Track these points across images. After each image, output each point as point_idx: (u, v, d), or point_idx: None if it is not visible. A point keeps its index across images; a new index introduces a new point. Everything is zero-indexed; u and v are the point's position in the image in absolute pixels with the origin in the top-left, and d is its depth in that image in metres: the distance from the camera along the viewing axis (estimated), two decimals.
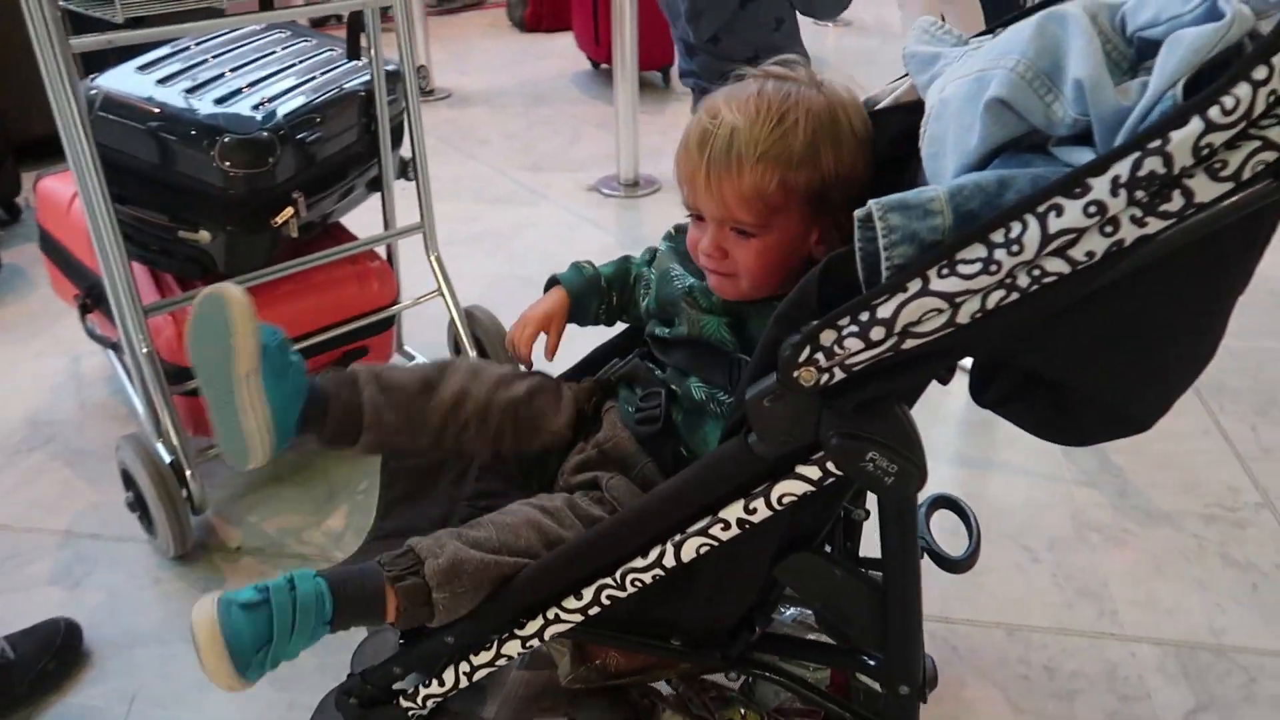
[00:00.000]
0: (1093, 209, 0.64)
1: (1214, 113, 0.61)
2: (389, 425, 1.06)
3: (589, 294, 1.20)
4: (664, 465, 1.04)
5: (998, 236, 0.66)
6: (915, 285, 0.69)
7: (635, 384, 1.10)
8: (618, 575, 0.88)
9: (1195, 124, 0.61)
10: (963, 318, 0.69)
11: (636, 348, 1.17)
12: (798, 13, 2.01)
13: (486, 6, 6.34)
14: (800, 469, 0.80)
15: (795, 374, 0.73)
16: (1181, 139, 0.62)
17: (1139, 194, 0.63)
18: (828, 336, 0.72)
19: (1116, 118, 0.68)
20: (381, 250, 2.05)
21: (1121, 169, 0.63)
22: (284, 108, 1.73)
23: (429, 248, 1.99)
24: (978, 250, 0.67)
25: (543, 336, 1.19)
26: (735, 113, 0.94)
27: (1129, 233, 0.65)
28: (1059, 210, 0.65)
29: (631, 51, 3.20)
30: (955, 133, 0.77)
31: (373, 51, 1.84)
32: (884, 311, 0.70)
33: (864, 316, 0.70)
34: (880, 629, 0.88)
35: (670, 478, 1.02)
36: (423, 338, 2.28)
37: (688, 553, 0.85)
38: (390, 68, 1.90)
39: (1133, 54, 0.71)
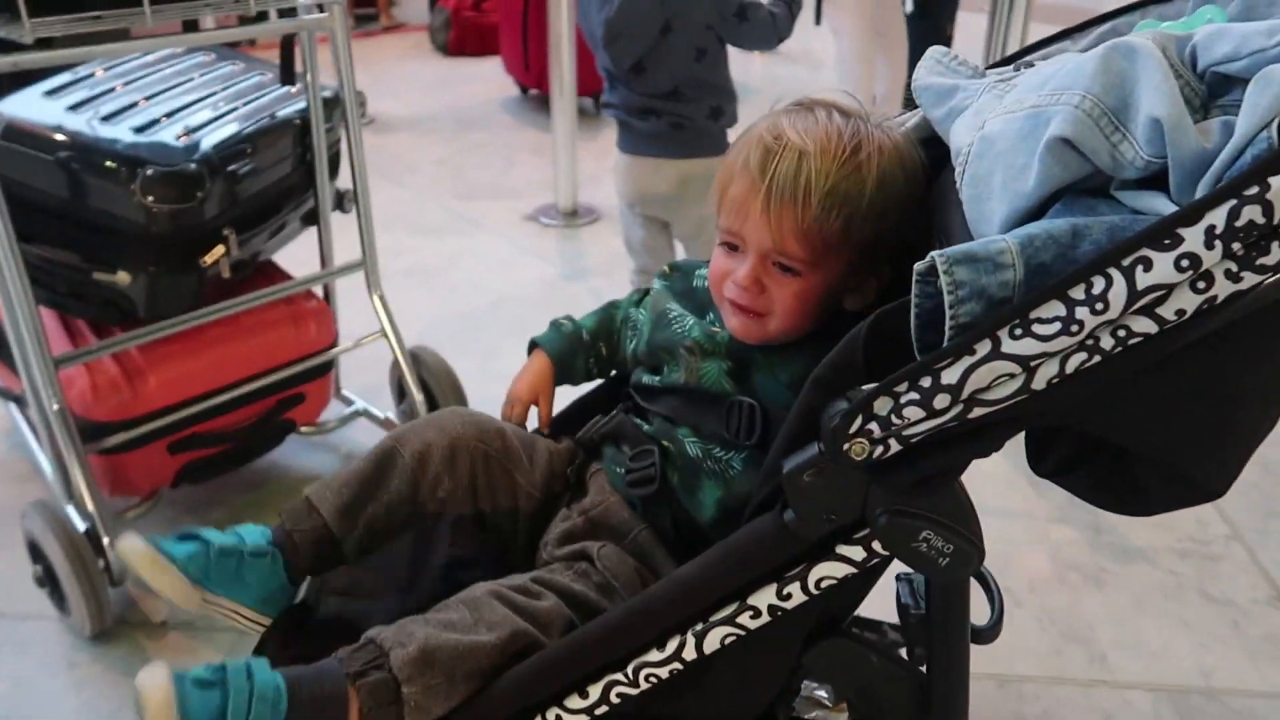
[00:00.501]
0: (1185, 262, 0.57)
1: None
2: (365, 518, 0.97)
3: (573, 353, 1.11)
4: (661, 531, 0.95)
5: (1078, 293, 0.59)
6: (985, 347, 0.61)
7: (622, 442, 1.00)
8: (630, 670, 0.78)
9: None
10: (1038, 383, 0.61)
11: (620, 402, 1.07)
12: (727, 44, 1.95)
13: (407, 30, 6.20)
14: (841, 549, 0.71)
15: (845, 446, 0.65)
16: None
17: (1235, 246, 0.57)
18: (883, 404, 0.64)
19: (1197, 161, 0.61)
20: (318, 288, 1.91)
21: (1216, 218, 0.56)
22: (212, 137, 1.59)
23: (371, 286, 1.86)
24: (1056, 308, 0.59)
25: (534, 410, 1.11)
26: (804, 137, 0.86)
27: (1222, 288, 0.58)
28: (1147, 264, 0.58)
29: (570, 77, 3.12)
30: (1005, 173, 0.70)
31: (309, 76, 1.72)
32: (949, 376, 0.61)
33: (926, 382, 0.62)
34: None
35: (667, 546, 0.94)
36: (362, 380, 2.14)
37: (711, 644, 0.75)
38: (326, 93, 1.78)
39: (1204, 91, 0.65)
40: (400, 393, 2.03)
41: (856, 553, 0.71)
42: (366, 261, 1.84)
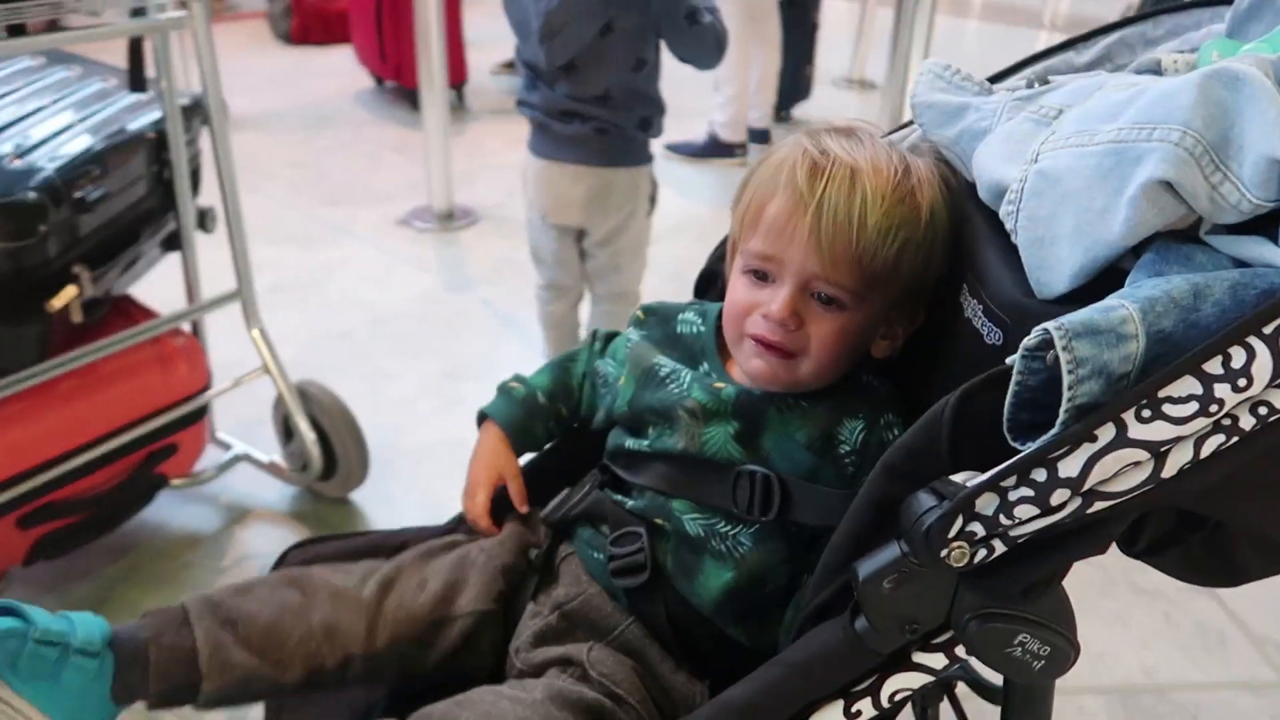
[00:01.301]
0: None
1: None
2: (238, 667, 0.80)
3: (529, 419, 0.98)
4: (654, 625, 0.83)
5: (1214, 367, 0.51)
6: (1109, 433, 0.52)
7: (600, 522, 0.87)
8: None
9: None
10: (1169, 470, 0.53)
11: (590, 467, 0.94)
12: (662, 55, 1.83)
13: (240, 17, 5.76)
14: (919, 658, 0.61)
15: (946, 552, 0.55)
16: None
17: None
18: (987, 502, 0.54)
19: None
20: (185, 323, 1.68)
21: None
22: (52, 158, 1.35)
23: (249, 319, 1.65)
24: (1190, 385, 0.51)
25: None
26: (853, 155, 0.76)
27: None
28: None
29: (440, 70, 2.91)
30: (1079, 216, 0.62)
31: (164, 82, 1.49)
32: (1068, 469, 0.52)
33: (1040, 475, 0.53)
34: None
35: (660, 640, 0.83)
36: (236, 416, 1.92)
37: None
38: (184, 100, 1.55)
39: None
40: (287, 433, 1.82)
41: (937, 660, 0.61)
42: (243, 290, 1.63)
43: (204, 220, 1.69)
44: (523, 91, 1.85)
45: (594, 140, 1.76)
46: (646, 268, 2.02)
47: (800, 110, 4.15)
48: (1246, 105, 0.56)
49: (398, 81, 4.15)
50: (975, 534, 0.54)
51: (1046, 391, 0.55)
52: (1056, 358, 0.53)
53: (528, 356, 2.33)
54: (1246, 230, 0.58)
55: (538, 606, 0.87)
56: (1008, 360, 0.57)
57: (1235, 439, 0.52)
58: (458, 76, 4.09)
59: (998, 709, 0.89)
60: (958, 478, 0.56)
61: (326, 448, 1.75)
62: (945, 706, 0.94)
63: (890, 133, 0.89)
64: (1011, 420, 0.56)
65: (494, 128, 3.99)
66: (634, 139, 1.80)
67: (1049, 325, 0.52)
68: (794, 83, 3.95)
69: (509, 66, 4.66)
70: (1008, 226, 0.68)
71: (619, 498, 0.87)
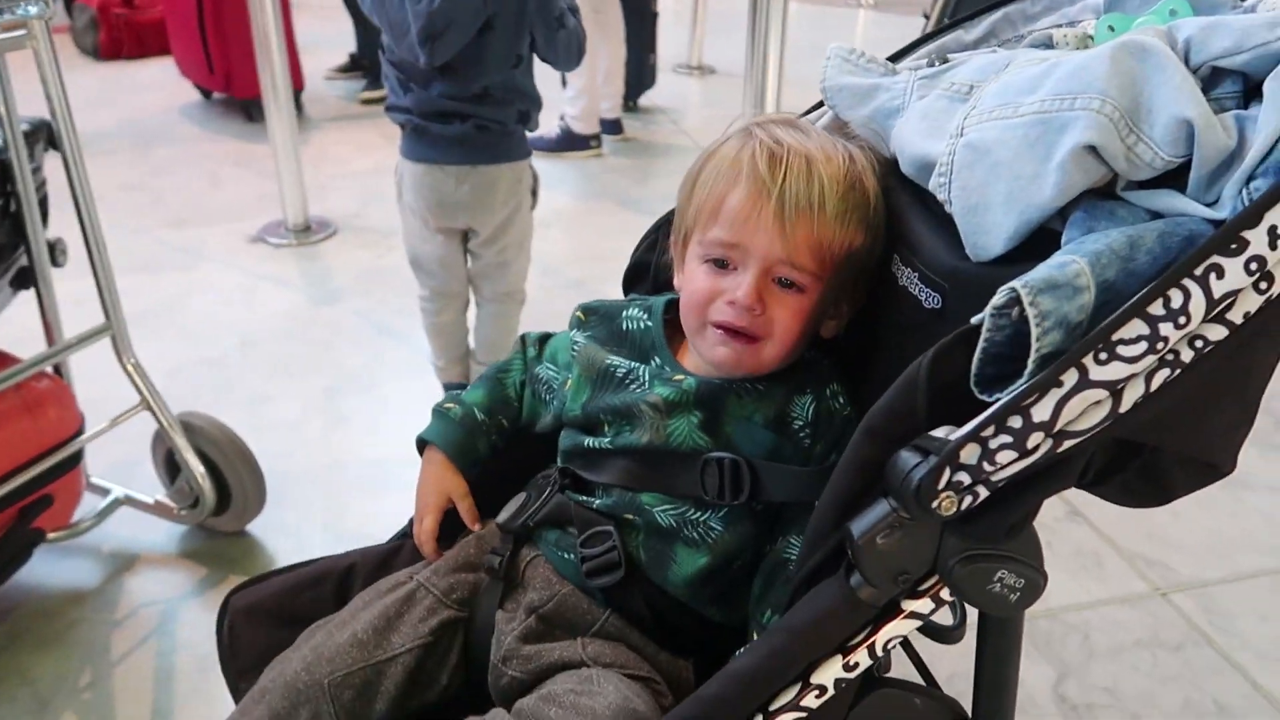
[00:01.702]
0: (1253, 265, 0.56)
1: None
2: None
3: (470, 439, 0.97)
4: (633, 614, 0.85)
5: (1158, 309, 0.57)
6: (1073, 377, 0.57)
7: (566, 525, 0.88)
8: None
9: None
10: (1125, 405, 0.58)
11: (540, 471, 0.94)
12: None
13: None
14: (908, 605, 0.65)
15: (936, 503, 0.59)
16: None
17: None
18: (971, 453, 0.58)
19: (1220, 157, 0.61)
20: (48, 365, 1.56)
21: (1277, 217, 0.56)
22: None
23: (122, 353, 1.55)
24: (1139, 327, 0.57)
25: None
26: (804, 145, 0.79)
27: (1278, 286, 0.58)
28: (1219, 271, 0.56)
29: (284, 79, 2.80)
30: (1010, 184, 0.67)
31: (4, 107, 1.38)
32: (1040, 413, 0.57)
33: (1016, 423, 0.57)
34: None
35: (640, 627, 0.84)
36: (108, 458, 1.80)
37: None
38: (24, 126, 1.44)
39: (1200, 86, 0.65)
40: (170, 470, 1.72)
41: (924, 606, 0.65)
42: (113, 324, 1.53)
43: (54, 253, 1.58)
44: (393, 95, 1.80)
45: (475, 138, 1.74)
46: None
47: (647, 99, 4.21)
48: (1154, 73, 0.62)
49: (228, 93, 3.96)
50: (961, 483, 0.59)
51: (1011, 345, 0.60)
52: (1021, 313, 0.58)
53: (413, 365, 2.28)
54: (1157, 185, 0.65)
55: (509, 614, 0.86)
56: (974, 320, 0.61)
57: (1178, 371, 0.58)
58: (295, 84, 3.93)
59: (948, 648, 0.95)
60: (937, 433, 0.60)
61: (218, 480, 1.66)
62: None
63: (805, 113, 0.93)
64: (979, 375, 0.61)
65: (337, 135, 3.87)
66: (514, 133, 1.79)
67: (1014, 284, 0.57)
68: (639, 72, 4.00)
69: (344, 70, 4.52)
70: (940, 197, 0.73)
71: (583, 498, 0.87)
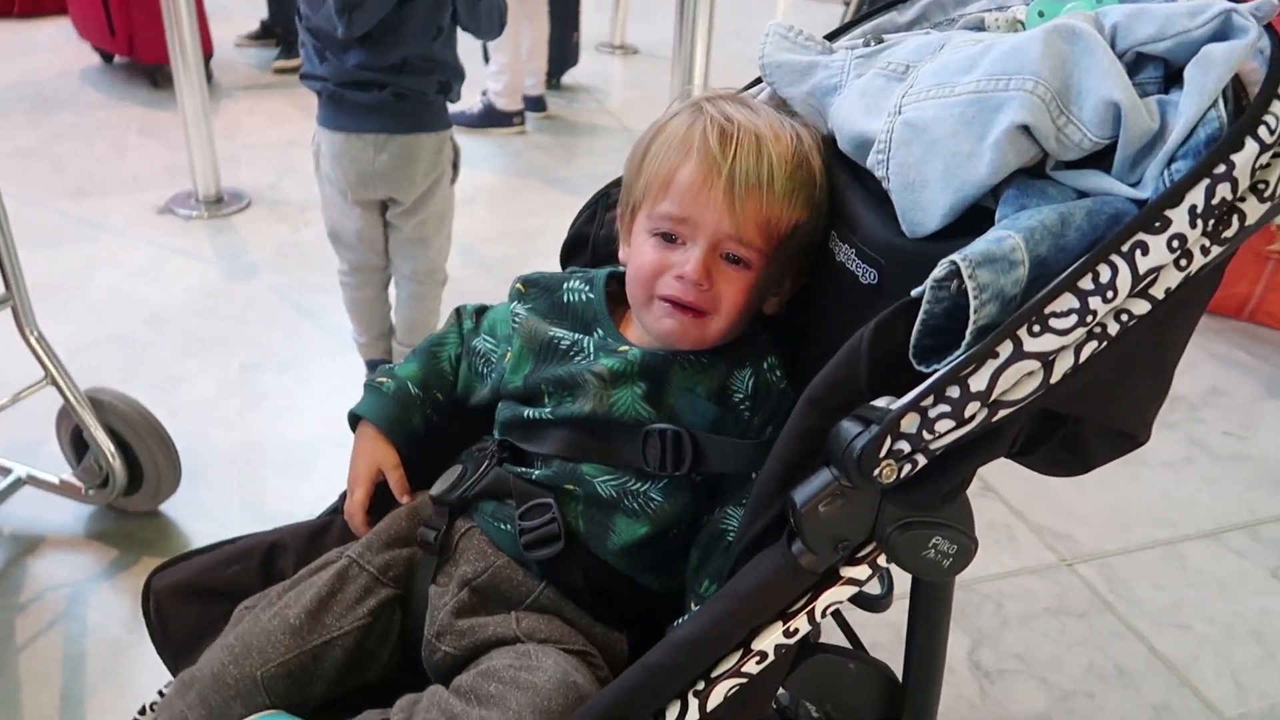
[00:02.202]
0: (1175, 243, 0.60)
1: (1263, 133, 0.60)
2: None
3: (404, 413, 0.96)
4: (570, 586, 0.85)
5: (1087, 283, 0.59)
6: (1007, 349, 0.59)
7: (504, 497, 0.87)
8: None
9: (1251, 146, 0.60)
10: (1055, 376, 0.61)
11: (474, 443, 0.94)
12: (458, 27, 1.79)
13: None
14: (846, 571, 0.67)
15: (877, 471, 0.60)
16: (1243, 162, 0.60)
17: (1210, 223, 0.60)
18: (911, 422, 0.60)
19: (1144, 139, 0.64)
20: None
21: (1196, 198, 0.59)
22: None
23: (25, 324, 1.48)
24: (1069, 301, 0.59)
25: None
26: (754, 123, 0.80)
27: (1196, 263, 0.62)
28: (1144, 248, 0.59)
29: (193, 43, 2.69)
30: (947, 161, 0.69)
31: None
32: (977, 383, 0.59)
33: (954, 392, 0.59)
34: (895, 713, 0.79)
35: (576, 599, 0.85)
36: (14, 435, 1.71)
37: (715, 701, 0.68)
38: None
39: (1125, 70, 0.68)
40: (77, 448, 1.65)
41: (861, 572, 0.67)
42: (14, 294, 1.46)
43: None
44: (308, 64, 1.75)
45: (393, 106, 1.71)
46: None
47: (570, 77, 4.18)
48: (1084, 56, 0.65)
49: (131, 57, 3.78)
50: (902, 451, 0.60)
51: (948, 317, 0.62)
52: (960, 286, 0.60)
53: (332, 341, 2.23)
54: (1084, 165, 0.68)
55: (441, 588, 0.86)
56: (913, 293, 0.63)
57: (1104, 343, 0.61)
58: (204, 50, 3.77)
59: (872, 618, 0.98)
60: (878, 403, 0.62)
61: (129, 458, 1.60)
62: None
63: (745, 88, 0.94)
64: (917, 346, 0.63)
65: (249, 104, 3.73)
66: (434, 103, 1.76)
67: (954, 257, 0.59)
68: (562, 50, 3.96)
69: (256, 38, 4.36)
70: (878, 174, 0.74)
71: (521, 470, 0.87)
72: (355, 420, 0.96)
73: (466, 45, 1.83)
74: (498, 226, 2.88)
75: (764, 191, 0.79)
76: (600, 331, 0.89)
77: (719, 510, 0.84)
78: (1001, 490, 1.94)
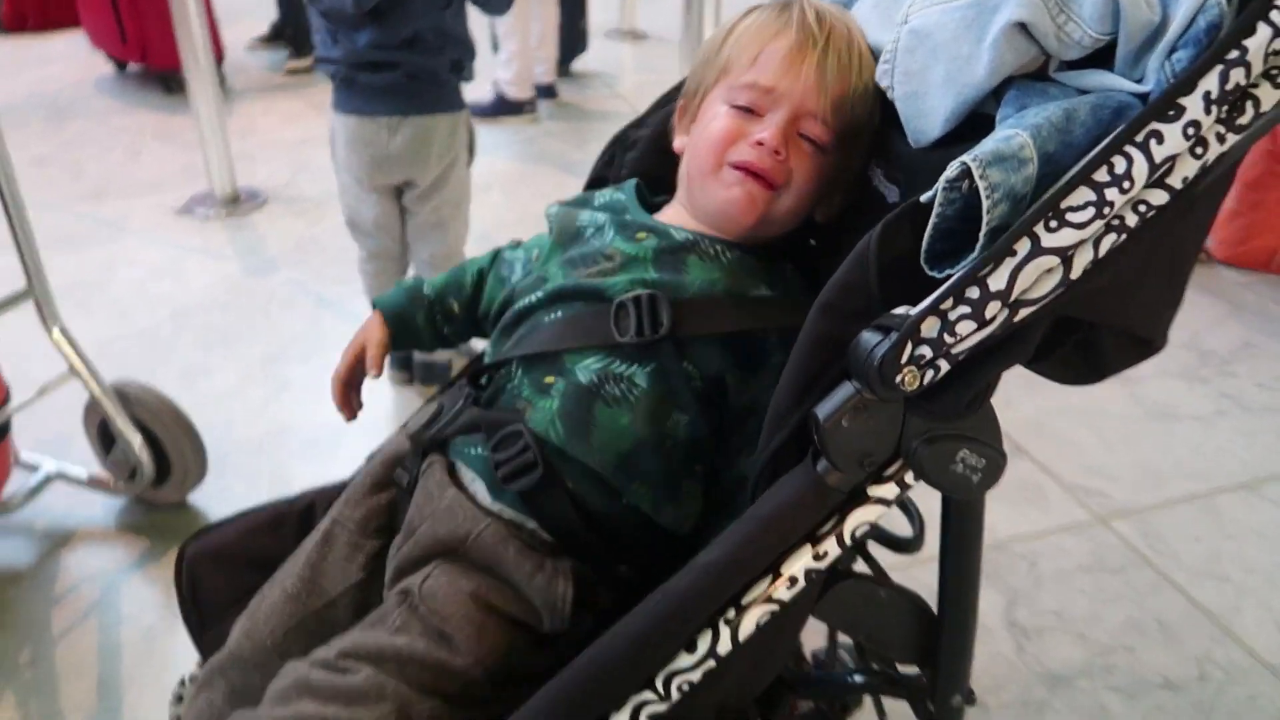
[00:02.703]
0: (1190, 130, 0.58)
1: (1275, 17, 0.58)
2: None
3: (412, 308, 0.98)
4: (556, 519, 0.79)
5: (1102, 175, 0.58)
6: (1025, 246, 0.58)
7: (475, 433, 0.83)
8: (659, 684, 0.67)
9: (1264, 30, 0.58)
10: (1075, 272, 0.59)
11: (461, 379, 0.92)
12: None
13: None
14: (874, 490, 0.66)
15: (899, 378, 0.59)
16: (1256, 47, 0.57)
17: (1224, 109, 0.59)
18: (931, 326, 0.59)
19: (1145, 32, 0.63)
20: None
21: (1210, 84, 0.57)
22: None
23: (48, 318, 1.49)
24: (1085, 194, 0.58)
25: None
26: (844, 16, 0.81)
27: (1213, 151, 0.60)
28: (1159, 137, 0.58)
29: (205, 46, 2.70)
30: (948, 66, 0.68)
31: None
32: (997, 282, 0.58)
33: (974, 293, 0.58)
34: (931, 644, 0.78)
35: (559, 536, 0.80)
36: (38, 434, 1.73)
37: (746, 629, 0.67)
38: None
39: None
40: (104, 441, 1.66)
41: (889, 491, 0.66)
42: (35, 288, 1.47)
43: None
44: (322, 48, 1.75)
45: (406, 87, 1.70)
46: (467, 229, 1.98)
47: (580, 63, 4.17)
48: None
49: (144, 63, 3.82)
50: (923, 357, 0.59)
51: (961, 219, 0.61)
52: (971, 186, 0.58)
53: (352, 330, 2.15)
54: (1086, 65, 0.66)
55: (400, 537, 0.83)
56: (923, 197, 0.62)
57: (1124, 236, 0.59)
58: (215, 54, 3.80)
59: (907, 557, 0.97)
60: (896, 311, 0.61)
61: (156, 449, 1.61)
62: None
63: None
64: (929, 250, 0.61)
65: (263, 105, 3.76)
66: (447, 83, 1.75)
67: (965, 158, 0.57)
68: (570, 37, 3.96)
69: (267, 41, 4.39)
70: (883, 85, 0.73)
71: (494, 408, 0.83)
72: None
73: (476, 34, 1.82)
74: (514, 212, 2.88)
75: (854, 74, 0.79)
76: (629, 215, 0.87)
77: (738, 458, 0.80)
78: (1030, 449, 1.91)
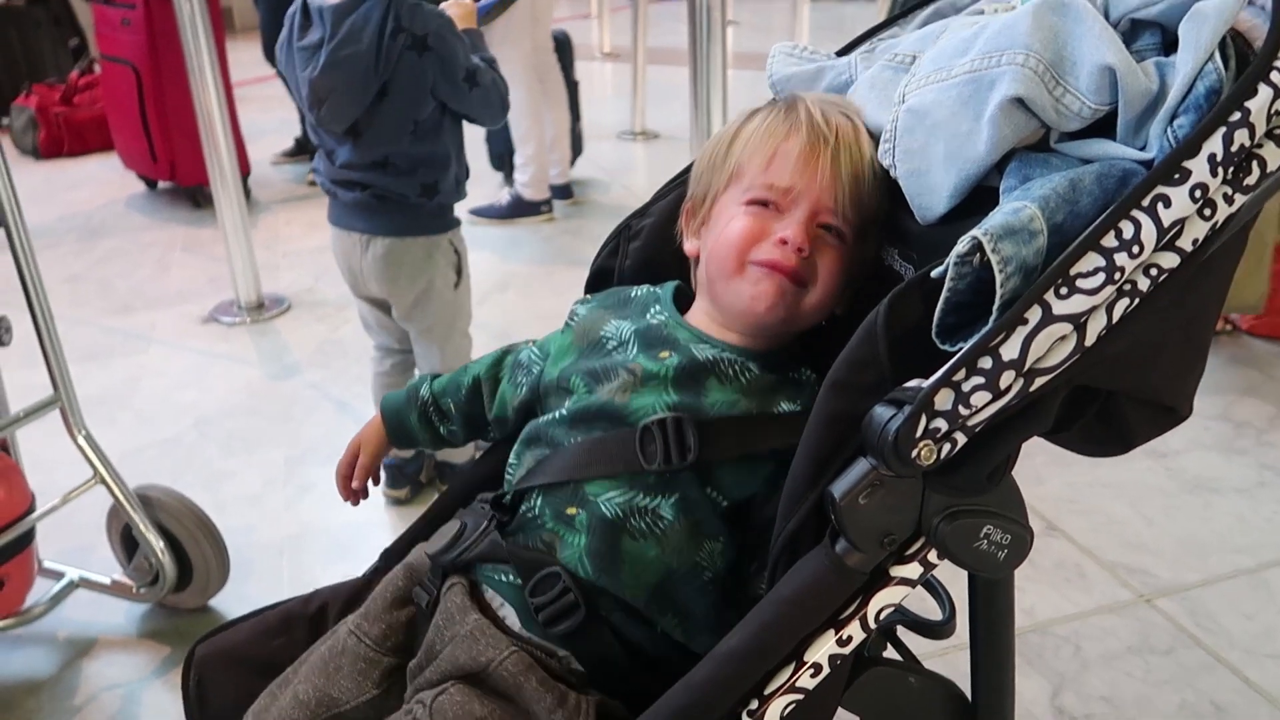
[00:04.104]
0: (1197, 193, 0.58)
1: (1275, 78, 0.58)
2: None
3: (406, 407, 1.00)
4: (600, 655, 0.77)
5: (1109, 240, 0.58)
6: (1036, 314, 0.57)
7: (498, 562, 0.81)
8: None
9: (1265, 91, 0.58)
10: (1090, 338, 0.59)
11: (484, 495, 0.88)
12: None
13: None
14: (896, 571, 0.64)
15: (915, 452, 0.58)
16: (1258, 108, 0.58)
17: (1230, 170, 0.59)
18: (944, 398, 0.58)
19: (1144, 101, 0.63)
20: None
21: (1215, 146, 0.58)
22: None
23: (74, 425, 1.51)
24: (1094, 260, 0.58)
25: None
26: (846, 111, 0.83)
27: (1222, 213, 0.60)
28: (1166, 201, 0.58)
29: (230, 160, 2.80)
30: (948, 143, 0.68)
31: None
32: (1009, 351, 0.57)
33: (987, 363, 0.57)
34: None
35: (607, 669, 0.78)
36: (61, 544, 1.73)
37: (772, 718, 0.65)
38: None
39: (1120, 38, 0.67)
40: (127, 547, 1.66)
41: (913, 570, 0.64)
42: (62, 396, 1.49)
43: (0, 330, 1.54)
44: (316, 159, 1.81)
45: (375, 208, 1.71)
46: (472, 339, 1.95)
47: (595, 163, 4.27)
48: (1074, 26, 0.64)
49: (173, 181, 3.95)
50: (939, 430, 0.58)
51: (972, 293, 0.60)
52: (983, 260, 0.58)
53: None
54: (1088, 135, 0.67)
55: (420, 657, 0.81)
56: (934, 273, 0.61)
57: (1137, 300, 0.59)
58: (241, 169, 3.93)
59: (938, 643, 0.93)
60: (908, 384, 0.60)
61: (179, 554, 1.60)
62: None
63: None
64: (940, 324, 0.61)
65: (286, 215, 3.86)
66: (418, 208, 1.73)
67: (975, 232, 0.57)
68: (571, 141, 4.03)
69: (291, 155, 4.54)
70: (885, 164, 0.74)
71: (518, 537, 0.81)
72: None
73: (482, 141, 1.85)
74: (530, 310, 2.91)
75: (866, 166, 0.80)
76: (658, 308, 0.87)
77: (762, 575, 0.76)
78: (1066, 527, 1.86)
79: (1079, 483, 1.97)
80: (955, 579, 0.73)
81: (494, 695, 0.74)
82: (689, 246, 0.91)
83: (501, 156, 3.85)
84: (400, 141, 1.66)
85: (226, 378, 2.56)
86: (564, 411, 0.83)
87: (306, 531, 1.91)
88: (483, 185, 3.73)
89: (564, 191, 3.82)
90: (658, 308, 0.88)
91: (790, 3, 6.47)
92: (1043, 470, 1.97)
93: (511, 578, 0.79)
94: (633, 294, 0.92)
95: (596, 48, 6.97)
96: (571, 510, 0.79)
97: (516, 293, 3.04)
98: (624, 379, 0.81)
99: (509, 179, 3.76)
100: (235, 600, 1.70)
